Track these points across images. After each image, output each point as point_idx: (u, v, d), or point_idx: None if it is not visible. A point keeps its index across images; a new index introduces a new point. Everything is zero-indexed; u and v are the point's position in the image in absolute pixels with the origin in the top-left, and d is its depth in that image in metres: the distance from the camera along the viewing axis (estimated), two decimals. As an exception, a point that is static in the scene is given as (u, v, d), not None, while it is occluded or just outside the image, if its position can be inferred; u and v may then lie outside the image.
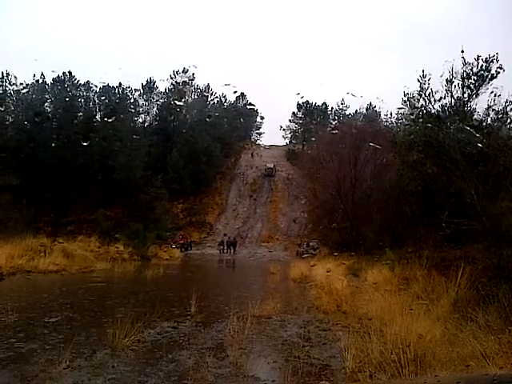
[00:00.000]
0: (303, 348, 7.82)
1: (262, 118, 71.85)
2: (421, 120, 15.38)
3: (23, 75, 79.45)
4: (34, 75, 44.28)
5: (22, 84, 42.98)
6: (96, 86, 46.48)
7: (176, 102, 51.78)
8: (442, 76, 14.90)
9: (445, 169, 13.29)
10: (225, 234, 44.00)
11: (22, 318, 9.51)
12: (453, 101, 15.24)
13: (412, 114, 17.14)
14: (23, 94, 43.03)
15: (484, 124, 15.05)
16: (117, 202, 39.53)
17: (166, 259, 30.06)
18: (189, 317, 10.39)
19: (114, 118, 38.60)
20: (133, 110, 49.30)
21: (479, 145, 11.12)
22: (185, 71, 56.99)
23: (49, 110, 43.19)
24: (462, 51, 14.54)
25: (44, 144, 37.11)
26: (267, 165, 57.60)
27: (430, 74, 15.41)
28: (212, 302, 12.72)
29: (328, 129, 51.98)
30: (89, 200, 37.66)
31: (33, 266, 19.31)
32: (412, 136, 15.94)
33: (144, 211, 37.37)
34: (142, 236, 29.77)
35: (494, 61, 14.90)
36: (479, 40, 70.45)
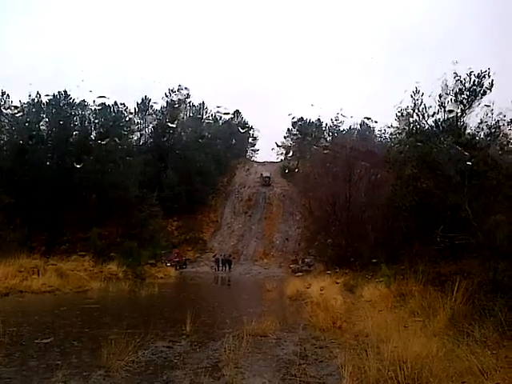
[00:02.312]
0: (300, 366, 7.73)
1: (255, 138, 72.65)
2: (412, 138, 15.56)
3: (18, 97, 79.41)
4: (30, 95, 44.37)
5: (16, 107, 42.98)
6: (91, 106, 46.53)
7: (169, 124, 51.99)
8: (429, 95, 15.17)
9: (439, 183, 13.36)
10: (219, 255, 43.72)
11: (14, 339, 9.36)
12: (446, 116, 15.44)
13: (405, 129, 17.29)
14: (17, 118, 43.00)
15: (477, 138, 15.24)
16: (111, 221, 39.29)
17: (161, 278, 29.85)
18: (184, 336, 10.27)
19: (107, 139, 38.65)
20: (127, 131, 49.23)
21: (468, 163, 11.23)
22: (179, 89, 57.44)
23: (44, 128, 43.17)
24: (456, 71, 14.81)
25: (38, 163, 37.02)
26: (263, 174, 57.71)
27: (422, 92, 15.64)
28: (207, 321, 12.59)
29: (322, 145, 52.25)
30: (83, 219, 37.34)
31: (26, 286, 19.11)
32: (405, 151, 16.07)
33: (139, 229, 37.16)
34: (136, 254, 29.57)
35: (486, 76, 15.17)
36: (470, 52, 71.61)
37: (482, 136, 15.68)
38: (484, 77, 15.17)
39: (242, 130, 64.00)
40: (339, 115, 54.92)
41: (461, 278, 10.38)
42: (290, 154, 67.32)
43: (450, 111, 14.83)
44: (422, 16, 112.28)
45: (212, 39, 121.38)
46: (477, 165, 11.64)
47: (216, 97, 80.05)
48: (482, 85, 15.19)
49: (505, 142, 15.66)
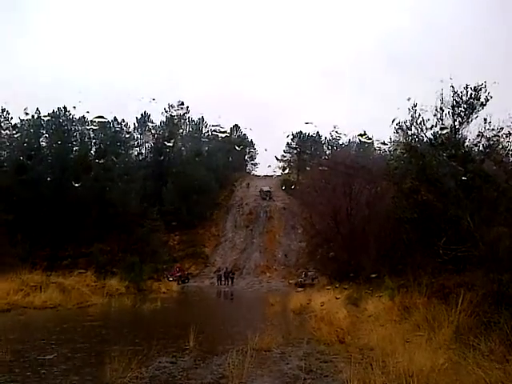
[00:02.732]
0: (305, 381, 7.68)
1: (251, 157, 73.14)
2: (408, 153, 15.62)
3: (18, 106, 79.67)
4: (27, 113, 44.49)
5: (16, 127, 43.23)
6: (92, 123, 46.71)
7: (168, 139, 52.38)
8: (426, 110, 15.26)
9: (440, 195, 13.38)
10: (220, 269, 43.64)
11: (16, 356, 9.31)
12: (444, 129, 15.48)
13: (402, 143, 17.33)
14: (16, 137, 43.26)
15: (475, 151, 15.27)
16: (113, 236, 39.29)
17: (163, 292, 29.76)
18: (187, 351, 10.21)
19: (106, 158, 39.09)
20: (125, 147, 49.40)
21: (464, 178, 11.31)
22: (179, 105, 57.77)
23: (45, 144, 43.41)
24: (452, 85, 14.90)
25: (39, 178, 37.14)
26: (263, 188, 57.76)
27: (420, 105, 15.70)
28: (211, 336, 12.53)
29: (320, 161, 52.23)
30: (85, 234, 37.39)
31: (29, 301, 19.09)
32: (401, 166, 16.14)
33: (140, 244, 37.13)
34: (138, 269, 29.52)
35: (483, 89, 15.25)
36: (470, 60, 72.44)
37: (481, 148, 15.69)
38: (480, 90, 15.26)
39: (238, 148, 64.14)
40: (334, 132, 55.38)
41: (465, 290, 10.31)
42: (290, 167, 67.50)
43: (443, 128, 14.89)
44: (421, 27, 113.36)
45: (212, 49, 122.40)
46: (472, 179, 11.71)
47: (217, 108, 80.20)
48: (479, 98, 15.27)
49: (504, 154, 15.66)
